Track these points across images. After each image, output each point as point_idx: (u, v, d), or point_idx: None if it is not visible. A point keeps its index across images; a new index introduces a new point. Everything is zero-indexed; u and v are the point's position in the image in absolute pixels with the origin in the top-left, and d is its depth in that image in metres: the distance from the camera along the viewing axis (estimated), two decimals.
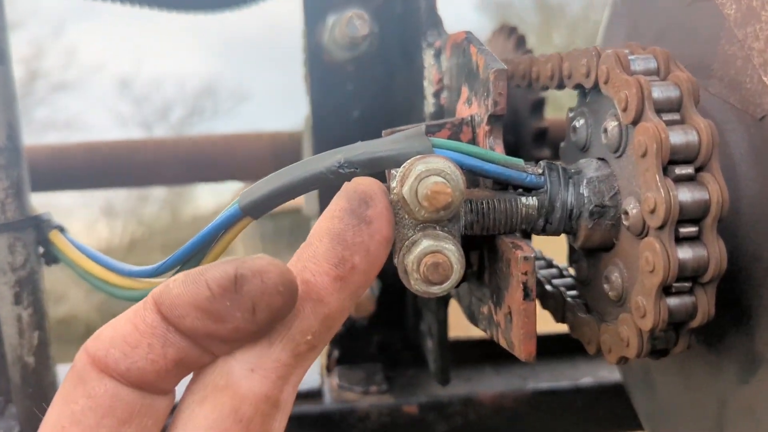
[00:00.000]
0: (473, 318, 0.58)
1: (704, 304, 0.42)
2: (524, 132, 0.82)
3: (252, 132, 0.88)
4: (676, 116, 0.42)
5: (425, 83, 0.68)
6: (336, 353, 0.83)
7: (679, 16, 0.52)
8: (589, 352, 0.51)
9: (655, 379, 0.59)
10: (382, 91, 0.78)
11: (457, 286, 0.57)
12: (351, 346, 0.83)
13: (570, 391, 0.79)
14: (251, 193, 0.49)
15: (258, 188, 0.49)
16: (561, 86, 0.54)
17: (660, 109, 0.42)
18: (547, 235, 0.49)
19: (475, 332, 0.84)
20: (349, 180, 0.48)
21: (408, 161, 0.44)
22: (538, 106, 0.80)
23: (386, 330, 0.83)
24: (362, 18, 0.66)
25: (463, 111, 0.57)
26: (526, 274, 0.44)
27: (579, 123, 0.52)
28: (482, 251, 0.53)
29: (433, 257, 0.43)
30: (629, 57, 0.44)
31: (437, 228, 0.45)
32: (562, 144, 0.56)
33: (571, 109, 0.54)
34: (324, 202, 0.76)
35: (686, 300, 0.42)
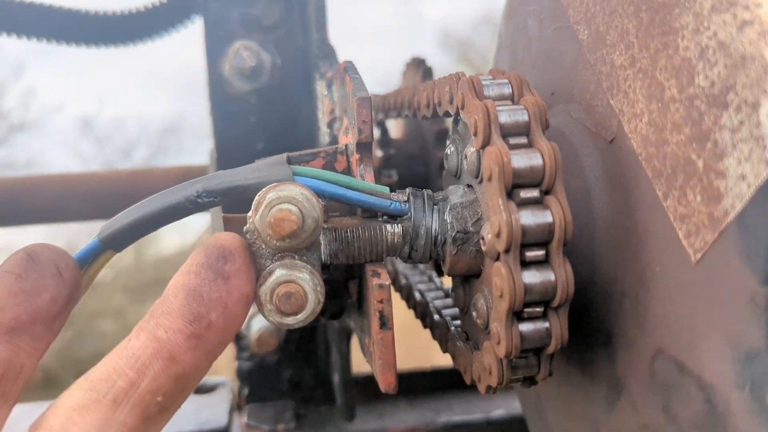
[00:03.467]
0: (363, 350, 0.57)
1: (557, 328, 0.41)
2: (432, 162, 0.82)
3: (160, 167, 0.87)
4: (523, 140, 0.42)
5: (320, 114, 0.68)
6: (246, 390, 0.81)
7: (547, 43, 0.53)
8: (466, 382, 0.51)
9: (544, 406, 0.58)
10: (286, 123, 0.77)
11: (337, 317, 0.56)
12: (261, 383, 0.81)
13: (482, 423, 0.78)
14: (111, 226, 0.47)
15: (118, 220, 0.47)
16: (436, 114, 0.54)
17: (507, 133, 0.42)
18: (414, 262, 0.49)
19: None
20: (209, 209, 0.47)
21: (263, 190, 0.44)
22: (442, 136, 0.81)
23: (297, 365, 0.82)
24: (250, 49, 0.66)
25: (342, 140, 0.57)
26: (381, 302, 0.43)
27: (450, 150, 0.51)
28: (361, 281, 0.52)
29: (285, 287, 0.42)
30: (483, 82, 0.45)
31: (295, 257, 0.44)
32: (443, 172, 0.56)
33: (447, 137, 0.54)
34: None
35: (539, 325, 0.41)
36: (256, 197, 0.44)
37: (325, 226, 0.47)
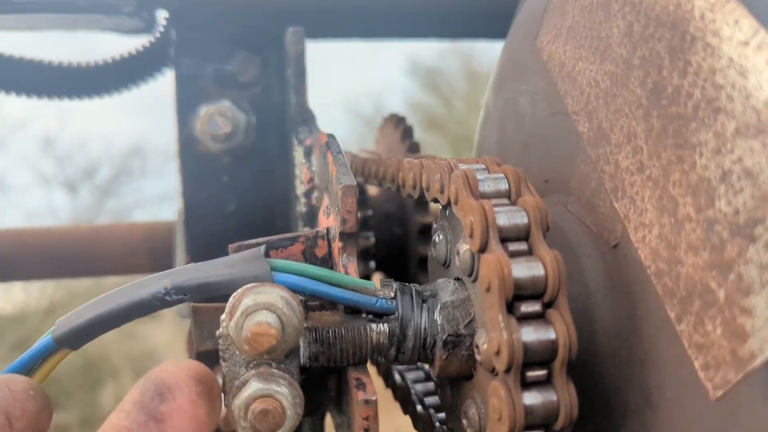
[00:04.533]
0: None
1: None
2: (411, 226, 0.79)
3: (123, 223, 0.82)
4: (523, 246, 0.39)
5: (297, 182, 0.65)
6: None
7: (541, 127, 0.50)
8: None
9: None
10: (260, 184, 0.74)
11: (313, 413, 0.52)
12: None
13: None
14: (67, 323, 0.43)
15: (76, 317, 0.43)
16: (424, 197, 0.51)
17: (506, 237, 0.39)
18: (401, 364, 0.45)
19: None
20: (174, 305, 0.43)
21: (238, 291, 0.40)
22: (423, 200, 0.77)
23: None
24: (224, 115, 0.62)
25: (323, 221, 0.53)
26: (367, 419, 0.39)
27: (439, 238, 0.48)
28: (341, 375, 0.48)
29: (262, 403, 0.38)
30: (479, 177, 0.42)
31: (272, 365, 0.40)
32: (429, 255, 0.53)
33: (434, 220, 0.51)
34: None
35: None
36: (231, 299, 0.40)
37: (305, 325, 0.43)
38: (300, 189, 0.64)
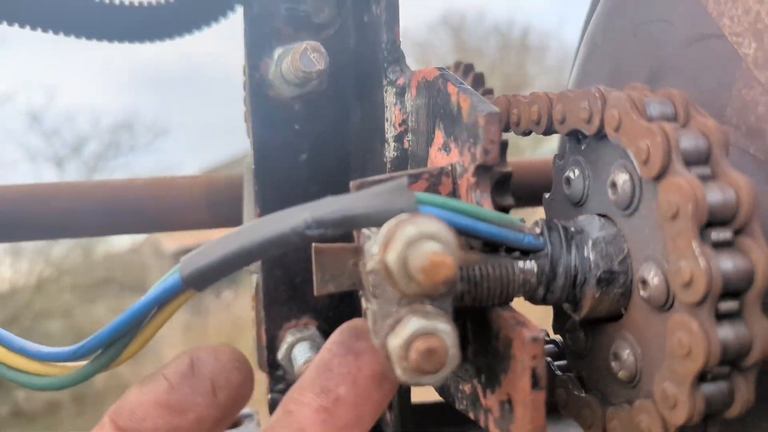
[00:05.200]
0: (445, 391, 0.50)
1: (743, 391, 0.35)
2: None
3: (183, 176, 0.78)
4: (707, 170, 0.36)
5: (386, 125, 0.61)
6: None
7: (676, 57, 0.47)
8: None
9: None
10: (334, 133, 0.70)
11: None
12: None
13: None
14: (195, 261, 0.39)
15: (204, 255, 0.40)
16: (549, 132, 0.48)
17: (688, 162, 0.36)
18: (547, 305, 0.43)
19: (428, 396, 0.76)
20: (318, 242, 0.40)
21: (390, 221, 0.37)
22: (502, 148, 0.74)
23: None
24: (318, 51, 0.59)
25: (438, 159, 0.50)
26: (535, 358, 0.37)
27: (574, 174, 0.45)
28: (465, 322, 0.45)
29: (425, 341, 0.35)
30: (645, 100, 0.38)
31: (426, 302, 0.37)
32: (547, 195, 0.50)
33: (558, 157, 0.48)
34: None
35: (722, 387, 0.36)
36: (384, 230, 0.37)
37: None
38: (390, 132, 0.60)
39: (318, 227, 0.38)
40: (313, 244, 0.44)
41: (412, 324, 0.36)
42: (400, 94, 0.59)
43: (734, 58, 0.42)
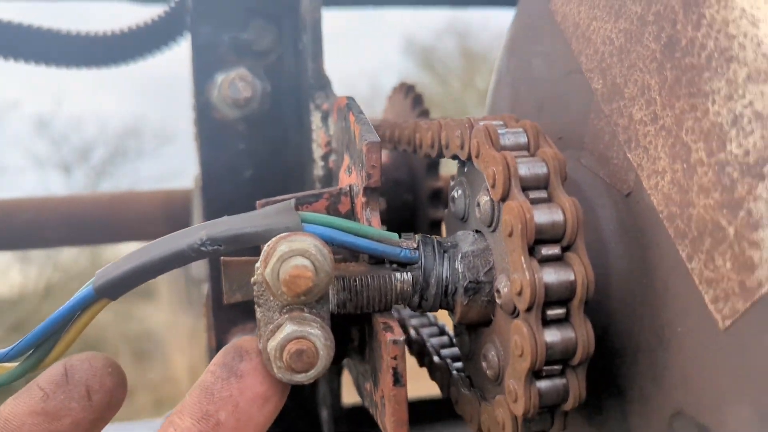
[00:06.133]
0: (360, 392, 0.56)
1: (575, 387, 0.40)
2: (421, 191, 0.81)
3: (143, 191, 0.84)
4: (543, 194, 0.41)
5: (314, 146, 0.67)
6: None
7: (556, 87, 0.52)
8: (472, 431, 0.50)
9: None
10: (275, 151, 0.76)
11: (338, 362, 0.55)
12: None
13: None
14: (107, 273, 0.45)
15: (115, 267, 0.45)
16: (441, 155, 0.53)
17: (527, 186, 0.41)
18: (424, 311, 0.48)
19: None
20: (212, 257, 0.45)
21: (272, 240, 0.42)
22: (433, 165, 0.80)
23: None
24: (245, 80, 0.64)
25: (344, 179, 0.55)
26: (395, 358, 0.42)
27: (457, 193, 0.51)
28: (363, 325, 0.51)
29: (297, 344, 0.41)
30: (499, 131, 0.44)
31: (305, 310, 0.43)
32: (446, 211, 0.55)
33: (452, 177, 0.54)
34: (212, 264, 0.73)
35: (557, 383, 0.41)
36: (266, 247, 0.42)
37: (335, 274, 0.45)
38: (317, 152, 0.66)
39: (212, 244, 0.44)
40: (222, 258, 0.50)
41: (287, 329, 0.41)
42: (325, 118, 0.65)
43: (589, 91, 0.47)
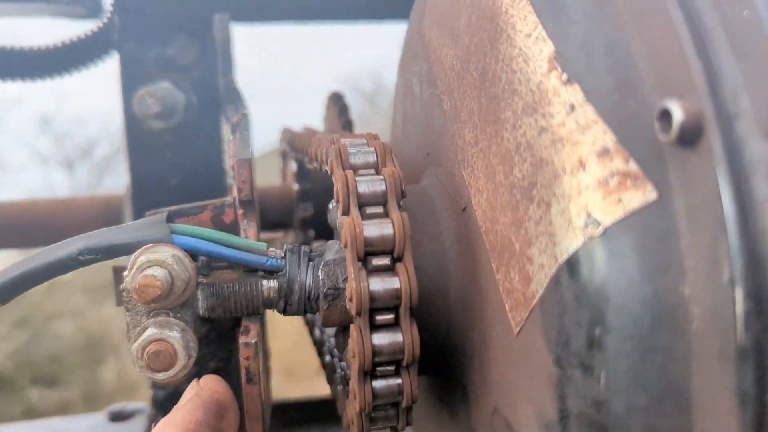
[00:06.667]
0: None
1: (407, 386, 0.44)
2: None
3: (82, 197, 0.88)
4: (379, 209, 0.45)
5: (225, 156, 0.71)
6: (160, 418, 0.83)
7: (425, 107, 0.56)
8: (344, 426, 0.54)
9: None
10: (200, 160, 0.80)
11: (228, 361, 0.59)
12: None
13: None
14: None
15: (5, 274, 0.49)
16: (322, 168, 0.57)
17: (366, 202, 0.45)
18: (289, 315, 0.52)
19: (299, 393, 0.85)
20: (88, 265, 0.49)
21: (138, 251, 0.46)
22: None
23: None
24: (153, 96, 0.68)
25: (235, 191, 0.59)
26: (248, 359, 0.46)
27: (332, 205, 0.54)
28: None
29: (155, 345, 0.45)
30: (350, 151, 0.48)
31: (169, 314, 0.47)
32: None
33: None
34: None
35: (392, 382, 0.45)
36: (131, 258, 0.46)
37: (204, 281, 0.49)
38: (228, 163, 0.70)
39: (89, 254, 0.48)
40: (113, 265, 0.54)
41: (148, 332, 0.45)
42: (234, 131, 0.68)
43: (443, 112, 0.50)
